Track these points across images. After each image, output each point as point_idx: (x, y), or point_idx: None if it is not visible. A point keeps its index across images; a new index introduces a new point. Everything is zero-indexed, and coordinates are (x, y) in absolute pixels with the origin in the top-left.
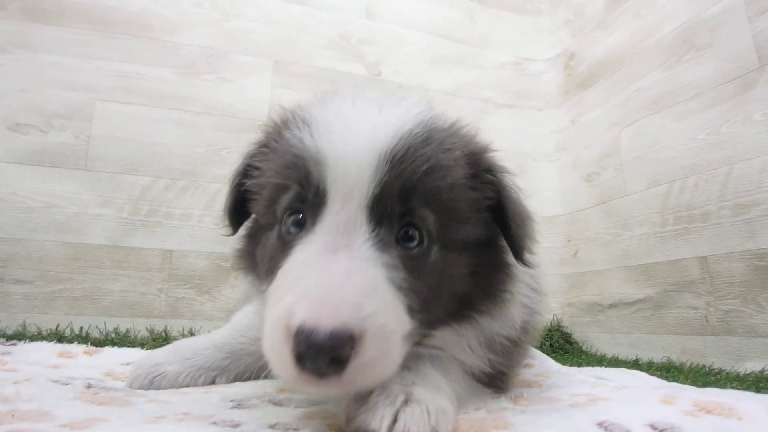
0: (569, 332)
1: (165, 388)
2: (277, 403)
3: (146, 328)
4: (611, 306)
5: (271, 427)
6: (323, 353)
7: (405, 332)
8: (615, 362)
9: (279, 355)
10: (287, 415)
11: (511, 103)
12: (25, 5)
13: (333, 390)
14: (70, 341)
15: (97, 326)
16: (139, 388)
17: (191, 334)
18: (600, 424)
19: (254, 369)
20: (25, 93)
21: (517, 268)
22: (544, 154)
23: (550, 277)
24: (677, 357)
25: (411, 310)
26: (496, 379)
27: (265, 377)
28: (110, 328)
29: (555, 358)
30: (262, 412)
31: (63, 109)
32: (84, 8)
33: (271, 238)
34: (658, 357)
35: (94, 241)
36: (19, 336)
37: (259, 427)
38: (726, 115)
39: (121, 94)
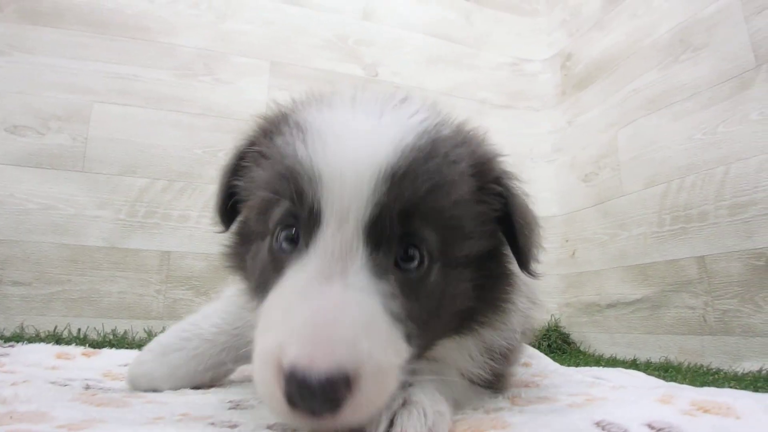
0: (567, 332)
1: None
2: None
3: (144, 329)
4: (609, 306)
5: (269, 427)
6: (317, 396)
7: (402, 361)
8: (613, 362)
9: (270, 391)
10: None
11: (508, 103)
12: (23, 7)
13: (328, 427)
14: (68, 343)
15: (95, 328)
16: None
17: None
18: (598, 424)
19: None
20: (23, 95)
21: (519, 277)
22: (541, 154)
23: (548, 277)
24: (675, 357)
25: (409, 337)
26: (493, 381)
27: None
28: (108, 329)
29: (553, 358)
30: (260, 412)
31: (60, 111)
32: (81, 10)
33: (262, 250)
34: (655, 357)
35: (91, 242)
36: (17, 338)
37: (257, 428)
38: (723, 115)
39: (118, 95)
